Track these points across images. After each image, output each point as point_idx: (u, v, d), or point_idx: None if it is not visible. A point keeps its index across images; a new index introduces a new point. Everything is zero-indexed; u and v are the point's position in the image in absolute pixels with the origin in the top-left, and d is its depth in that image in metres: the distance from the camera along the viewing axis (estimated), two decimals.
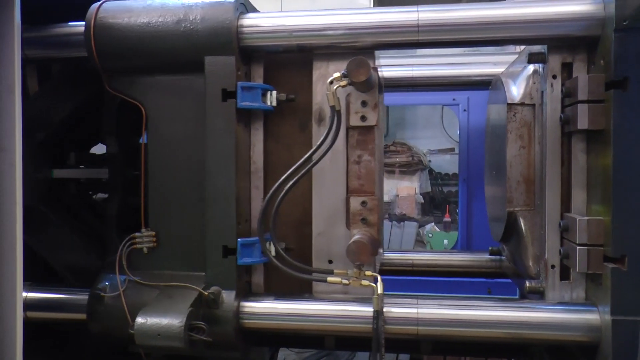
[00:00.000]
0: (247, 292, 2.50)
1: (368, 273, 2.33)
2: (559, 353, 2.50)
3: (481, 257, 3.46)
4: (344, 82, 2.27)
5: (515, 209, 2.58)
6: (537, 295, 2.44)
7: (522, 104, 2.55)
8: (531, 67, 2.56)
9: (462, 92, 4.48)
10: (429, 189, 11.26)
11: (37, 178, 2.79)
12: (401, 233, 7.73)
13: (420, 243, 7.74)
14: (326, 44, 2.42)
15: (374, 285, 2.24)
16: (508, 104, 2.55)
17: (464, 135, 4.77)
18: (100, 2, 2.50)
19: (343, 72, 2.19)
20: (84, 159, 3.00)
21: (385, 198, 10.19)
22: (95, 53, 2.43)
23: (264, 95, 2.46)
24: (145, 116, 2.50)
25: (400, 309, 2.35)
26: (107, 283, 2.50)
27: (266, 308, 2.43)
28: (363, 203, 2.42)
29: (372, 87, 2.39)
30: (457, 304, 2.36)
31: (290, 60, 2.55)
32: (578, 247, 2.18)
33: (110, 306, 2.44)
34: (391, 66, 3.70)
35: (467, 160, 4.62)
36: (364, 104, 2.41)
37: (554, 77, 2.36)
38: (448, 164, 11.83)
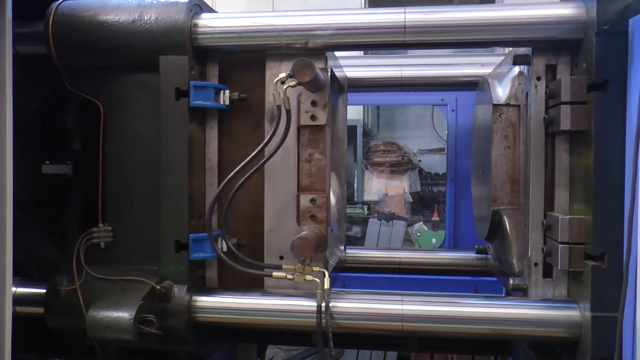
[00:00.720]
0: (201, 287, 2.56)
1: (315, 268, 2.40)
2: (541, 349, 2.56)
3: (468, 256, 3.54)
4: (293, 82, 2.33)
5: (500, 207, 2.64)
6: (521, 293, 2.51)
7: (507, 104, 2.62)
8: (517, 69, 2.62)
9: (450, 93, 4.54)
10: (419, 189, 11.35)
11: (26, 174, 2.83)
12: (390, 232, 7.81)
13: (409, 242, 7.84)
14: (278, 44, 2.48)
15: (317, 280, 2.30)
16: (494, 105, 2.62)
17: (452, 136, 4.83)
18: (60, 0, 2.55)
19: (289, 72, 2.25)
20: (50, 154, 3.05)
21: (374, 197, 10.30)
22: (54, 50, 2.48)
23: (217, 94, 2.52)
24: (102, 114, 2.56)
25: (385, 306, 2.40)
26: (64, 277, 2.55)
27: (217, 302, 2.49)
28: (312, 200, 2.49)
29: (322, 87, 2.45)
30: (441, 300, 2.41)
31: (244, 60, 2.62)
32: (560, 245, 2.24)
33: (67, 300, 2.50)
34: (379, 66, 3.78)
35: (455, 160, 4.68)
36: (313, 103, 2.48)
37: (538, 78, 2.42)
38: (438, 163, 11.93)
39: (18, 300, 2.66)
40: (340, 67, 3.24)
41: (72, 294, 2.49)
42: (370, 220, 8.46)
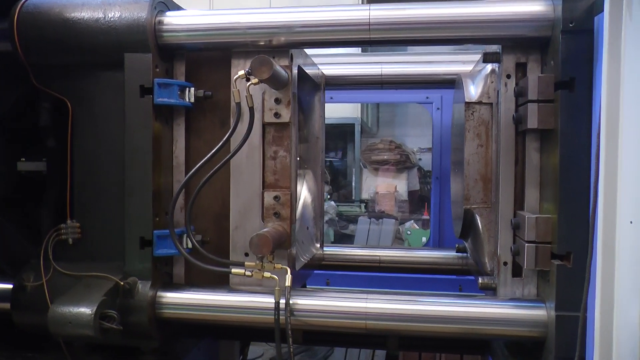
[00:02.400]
0: (167, 283, 2.58)
1: (278, 265, 2.41)
2: (516, 348, 2.55)
3: (449, 254, 3.53)
4: (255, 80, 2.34)
5: (472, 206, 2.64)
6: (491, 292, 2.51)
7: (479, 102, 2.61)
8: (489, 67, 2.62)
9: (435, 91, 4.53)
10: (418, 187, 11.32)
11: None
12: (379, 230, 7.81)
13: (400, 240, 7.83)
14: (243, 42, 2.49)
15: (275, 277, 2.30)
16: (466, 103, 2.61)
17: (437, 134, 4.82)
18: None
19: (247, 70, 2.26)
20: (26, 151, 3.07)
21: (365, 195, 10.29)
22: (19, 48, 2.50)
23: (182, 92, 2.53)
24: (70, 111, 2.58)
25: (349, 303, 2.40)
26: (32, 273, 2.57)
27: (181, 298, 2.50)
28: (276, 198, 2.50)
29: (285, 84, 2.46)
30: (405, 299, 2.42)
31: (211, 58, 2.63)
32: (526, 244, 2.24)
33: (33, 295, 2.52)
34: (359, 64, 3.77)
35: (440, 158, 4.68)
36: (277, 101, 2.48)
37: (508, 76, 2.41)
38: None
39: None
40: (314, 64, 3.25)
41: (38, 290, 2.52)
42: (360, 218, 8.45)
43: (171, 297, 2.51)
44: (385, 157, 10.17)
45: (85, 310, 2.25)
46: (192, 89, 2.54)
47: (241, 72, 2.29)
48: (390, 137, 11.48)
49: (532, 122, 2.24)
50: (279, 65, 2.45)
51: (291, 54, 2.55)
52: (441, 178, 4.57)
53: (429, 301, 2.38)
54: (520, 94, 2.33)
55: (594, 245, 1.92)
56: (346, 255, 3.76)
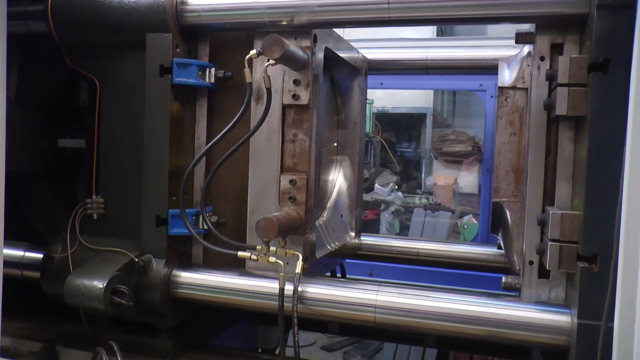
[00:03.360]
0: (184, 263, 2.59)
1: (290, 251, 2.35)
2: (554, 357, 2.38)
3: (490, 251, 3.36)
4: (272, 60, 2.28)
5: (502, 199, 2.48)
6: (516, 293, 2.36)
7: (513, 87, 2.45)
8: (526, 49, 2.45)
9: (489, 77, 4.29)
10: None
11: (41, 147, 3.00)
12: (435, 223, 7.55)
13: (457, 234, 7.54)
14: (263, 22, 2.43)
15: (281, 262, 2.25)
16: (499, 88, 2.46)
17: (490, 124, 4.59)
18: None
19: (259, 49, 2.20)
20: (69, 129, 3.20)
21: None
22: (53, 28, 2.58)
23: (203, 72, 2.52)
24: (98, 90, 2.64)
25: (359, 294, 2.31)
26: (60, 245, 2.67)
27: (194, 279, 2.51)
28: (292, 182, 2.44)
29: (304, 65, 2.38)
30: (417, 293, 2.28)
31: (235, 39, 2.60)
32: (550, 243, 2.06)
33: (59, 266, 2.62)
34: (403, 48, 3.63)
35: (491, 149, 4.45)
36: (296, 82, 2.42)
37: (542, 58, 2.22)
38: None
39: (26, 265, 2.83)
40: (352, 48, 3.14)
41: (64, 261, 2.61)
42: (416, 210, 8.18)
43: (185, 276, 2.52)
44: (456, 148, 9.79)
45: (97, 283, 2.30)
46: (213, 70, 2.52)
47: (253, 52, 2.24)
48: (465, 129, 11.06)
49: (562, 108, 2.03)
50: (297, 46, 2.39)
51: (314, 35, 2.47)
52: (492, 170, 4.32)
53: (442, 297, 2.23)
54: (551, 78, 2.12)
55: (622, 246, 1.71)
56: (383, 246, 3.65)
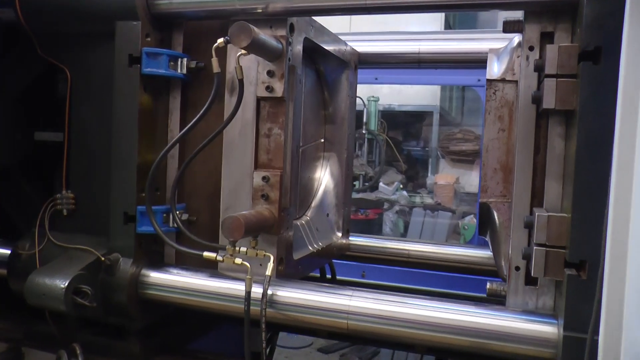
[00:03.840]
0: (155, 263, 2.48)
1: (261, 252, 2.23)
2: None
3: (484, 254, 3.21)
4: (243, 50, 2.16)
5: (490, 199, 2.33)
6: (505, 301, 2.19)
7: (502, 80, 2.30)
8: (516, 39, 2.30)
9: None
10: None
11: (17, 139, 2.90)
12: (434, 223, 7.36)
13: (457, 235, 7.36)
14: (238, 9, 2.31)
15: (247, 264, 2.12)
16: (487, 81, 2.30)
17: None
18: None
19: (226, 37, 2.08)
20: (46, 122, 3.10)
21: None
22: (21, 15, 2.48)
23: (175, 62, 2.40)
24: (69, 80, 2.53)
25: (331, 299, 2.18)
26: (28, 241, 2.57)
27: (163, 279, 2.39)
28: (264, 178, 2.31)
29: (278, 56, 2.26)
30: (395, 299, 2.13)
31: (210, 28, 2.48)
32: (535, 248, 1.91)
33: (27, 264, 2.52)
34: (395, 40, 3.49)
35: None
36: (270, 73, 2.29)
37: (531, 48, 2.06)
38: None
39: None
40: (339, 40, 3.01)
41: (32, 259, 2.51)
42: (415, 210, 7.99)
43: (154, 277, 2.40)
44: (463, 147, 9.62)
45: (59, 283, 2.20)
46: (185, 60, 2.40)
47: (220, 40, 2.12)
48: (473, 127, 10.87)
49: (549, 101, 1.88)
50: (272, 35, 2.27)
51: (291, 24, 2.34)
52: None
53: (420, 304, 2.09)
54: (540, 69, 1.98)
55: (609, 252, 1.57)
56: (373, 246, 3.51)
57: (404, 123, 10.83)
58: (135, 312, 2.39)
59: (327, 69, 3.16)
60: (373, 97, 9.84)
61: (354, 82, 3.32)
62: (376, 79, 4.34)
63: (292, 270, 2.54)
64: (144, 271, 2.41)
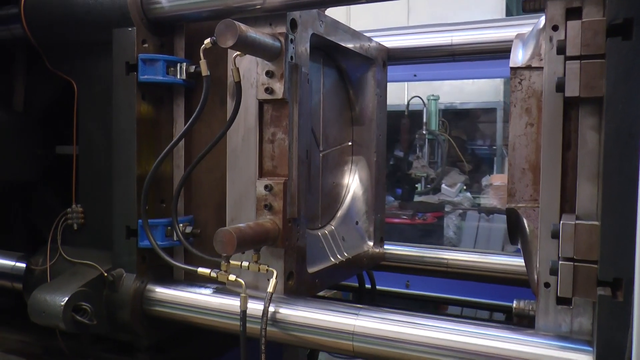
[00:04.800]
0: (162, 278, 2.37)
1: (263, 267, 2.07)
2: None
3: None
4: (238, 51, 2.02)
5: (518, 205, 2.04)
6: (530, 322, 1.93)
7: (528, 67, 2.00)
8: (543, 19, 2.03)
9: None
10: None
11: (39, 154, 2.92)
12: (489, 228, 6.84)
13: None
14: (236, 7, 2.17)
15: (241, 281, 1.96)
16: (511, 69, 2.03)
17: None
18: None
19: (212, 37, 1.94)
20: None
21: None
22: (27, 29, 2.45)
23: (174, 67, 2.29)
24: (76, 93, 2.48)
25: (337, 319, 1.98)
26: (42, 256, 2.55)
27: (168, 295, 2.28)
28: (267, 187, 2.15)
29: (275, 55, 2.09)
30: (405, 319, 1.91)
31: (211, 29, 2.32)
32: (560, 262, 1.64)
33: (40, 279, 2.49)
34: (424, 33, 3.25)
35: None
36: (269, 74, 2.13)
37: (555, 28, 1.77)
38: None
39: (16, 276, 2.72)
40: (360, 35, 2.82)
41: (45, 274, 2.48)
42: (469, 213, 7.45)
43: (160, 292, 2.30)
44: None
45: (58, 300, 2.13)
46: (184, 65, 2.28)
47: (207, 41, 1.98)
48: None
49: (572, 88, 1.60)
50: (271, 33, 2.11)
51: (292, 20, 2.17)
52: None
53: (433, 326, 1.85)
54: (563, 50, 1.69)
55: None
56: (409, 255, 3.27)
57: (466, 121, 10.36)
58: (140, 329, 2.30)
59: (350, 67, 2.96)
60: (433, 95, 9.47)
61: (382, 80, 3.10)
62: (415, 75, 4.07)
63: (305, 285, 2.36)
64: (150, 287, 2.31)
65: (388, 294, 3.88)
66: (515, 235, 2.16)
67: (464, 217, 7.24)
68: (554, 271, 1.72)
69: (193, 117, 2.08)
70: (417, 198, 9.23)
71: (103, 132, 2.45)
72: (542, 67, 1.95)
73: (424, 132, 9.39)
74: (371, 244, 3.07)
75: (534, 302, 1.89)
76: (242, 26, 1.89)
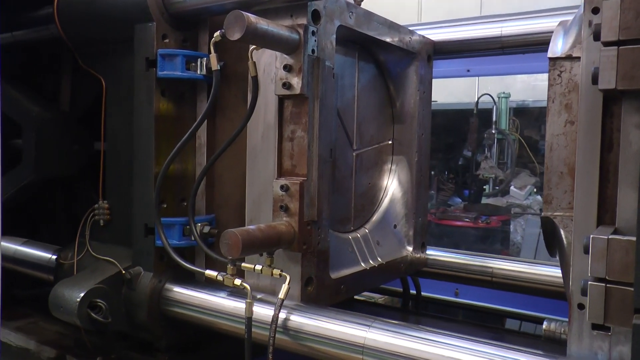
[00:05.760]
0: (182, 277, 2.31)
1: (276, 271, 1.96)
2: None
3: None
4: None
5: (555, 213, 1.83)
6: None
7: (568, 57, 1.79)
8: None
9: None
10: None
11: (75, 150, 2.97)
12: None
13: None
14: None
15: (247, 286, 1.86)
16: (550, 60, 1.81)
17: None
18: None
19: (222, 30, 1.85)
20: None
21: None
22: (60, 28, 2.48)
23: (195, 63, 2.22)
24: (104, 90, 2.48)
25: (348, 330, 1.86)
26: (71, 250, 2.57)
27: (186, 296, 2.22)
28: (283, 187, 2.04)
29: (293, 48, 1.98)
30: (418, 335, 1.77)
31: None
32: (590, 283, 1.43)
33: (68, 273, 2.51)
34: (470, 25, 3.04)
35: None
36: (287, 68, 2.02)
37: (595, 10, 1.54)
38: None
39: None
40: (399, 27, 2.65)
41: (72, 268, 2.50)
42: (529, 218, 6.91)
43: (178, 292, 2.25)
44: None
45: (74, 296, 2.12)
46: (205, 60, 2.21)
47: (216, 34, 1.89)
48: None
49: (607, 79, 1.38)
50: (291, 25, 1.99)
51: (314, 11, 2.05)
52: None
53: (447, 344, 1.67)
54: (597, 36, 1.46)
55: None
56: (453, 262, 3.06)
57: (539, 120, 9.78)
58: (157, 329, 2.26)
59: (390, 61, 2.80)
60: (504, 93, 9.01)
61: (426, 75, 2.92)
62: (468, 70, 3.82)
63: (327, 292, 2.23)
64: (168, 286, 2.26)
65: (436, 302, 3.67)
66: (553, 246, 1.93)
67: (527, 222, 6.77)
68: (585, 292, 1.49)
69: (202, 114, 2.02)
70: (484, 200, 8.82)
71: (128, 129, 2.43)
72: None
73: (493, 131, 8.95)
74: (410, 249, 2.89)
75: (565, 325, 1.67)
76: (252, 17, 1.79)
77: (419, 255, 2.95)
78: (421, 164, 2.93)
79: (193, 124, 2.32)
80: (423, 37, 2.88)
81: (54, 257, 2.69)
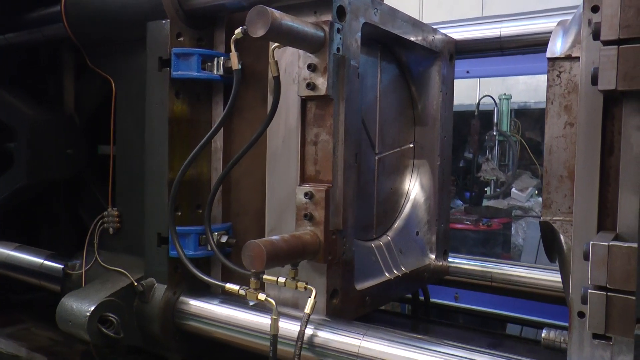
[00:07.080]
0: (198, 289, 2.18)
1: (301, 284, 1.84)
2: None
3: None
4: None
5: (555, 218, 1.72)
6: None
7: (567, 57, 1.69)
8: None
9: None
10: None
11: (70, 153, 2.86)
12: None
13: None
14: None
15: (272, 301, 1.73)
16: (549, 60, 1.72)
17: None
18: None
19: (244, 27, 1.72)
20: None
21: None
22: (68, 28, 2.35)
23: (211, 62, 2.10)
24: (114, 91, 2.35)
25: (341, 339, 1.79)
26: (79, 260, 2.44)
27: (203, 309, 2.10)
28: (307, 195, 1.91)
29: (318, 46, 1.85)
30: (411, 342, 1.70)
31: None
32: (590, 291, 1.34)
33: (76, 284, 2.38)
34: (468, 25, 2.95)
35: None
36: (311, 67, 1.89)
37: (594, 9, 1.44)
38: None
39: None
40: (422, 25, 2.53)
41: (81, 279, 2.37)
42: (530, 221, 6.75)
43: (194, 305, 2.12)
44: None
45: (84, 310, 1.99)
46: (222, 59, 2.09)
47: (237, 30, 1.77)
48: None
49: (607, 79, 1.28)
50: (315, 22, 1.87)
51: (339, 7, 1.93)
52: None
53: (443, 352, 1.59)
54: (596, 35, 1.35)
55: None
56: (452, 267, 2.96)
57: (541, 122, 9.70)
58: (171, 344, 2.13)
59: (412, 60, 2.68)
60: (505, 94, 8.92)
61: (448, 76, 2.80)
62: (467, 72, 3.69)
63: (353, 304, 2.11)
64: (183, 299, 2.14)
65: (438, 307, 3.56)
66: (553, 251, 1.82)
67: (528, 225, 6.63)
68: (585, 300, 1.38)
69: (222, 116, 1.89)
70: (485, 202, 8.72)
71: (140, 132, 2.30)
72: None
73: (495, 133, 8.86)
74: (433, 256, 2.77)
75: (565, 334, 1.56)
76: (276, 13, 1.66)
77: (441, 263, 2.83)
78: (443, 168, 2.81)
79: (208, 127, 2.21)
80: (445, 35, 2.76)
81: (45, 262, 2.59)
